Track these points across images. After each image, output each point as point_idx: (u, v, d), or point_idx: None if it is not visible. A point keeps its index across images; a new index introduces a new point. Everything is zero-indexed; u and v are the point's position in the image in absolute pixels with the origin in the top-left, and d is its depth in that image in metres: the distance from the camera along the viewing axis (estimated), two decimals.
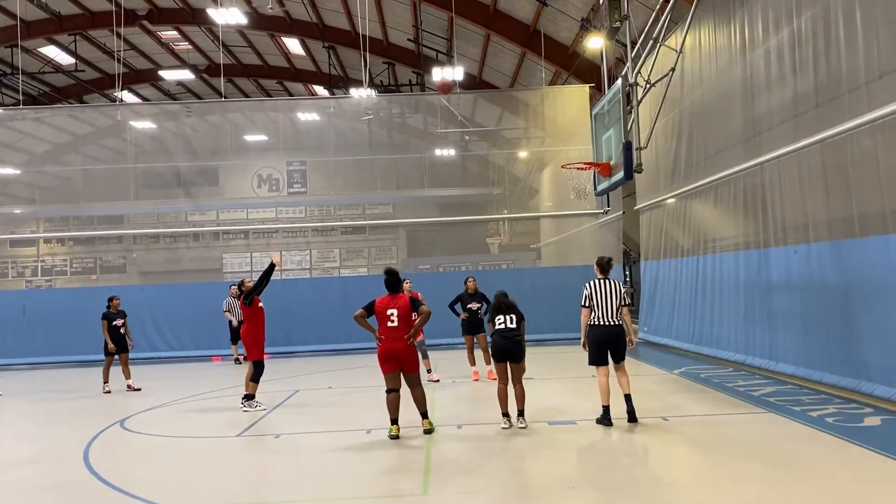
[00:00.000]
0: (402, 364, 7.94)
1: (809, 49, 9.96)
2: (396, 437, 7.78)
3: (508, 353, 8.13)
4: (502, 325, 8.16)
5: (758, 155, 11.41)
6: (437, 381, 11.67)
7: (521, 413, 8.14)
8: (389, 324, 7.90)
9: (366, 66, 21.81)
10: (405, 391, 8.01)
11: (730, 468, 6.35)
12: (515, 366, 8.17)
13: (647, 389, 10.09)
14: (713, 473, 6.29)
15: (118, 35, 22.08)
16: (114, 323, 12.47)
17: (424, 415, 8.05)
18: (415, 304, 8.04)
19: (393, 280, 8.10)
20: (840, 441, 6.98)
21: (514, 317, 8.20)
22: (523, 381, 8.27)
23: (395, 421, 7.89)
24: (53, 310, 18.49)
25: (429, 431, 7.95)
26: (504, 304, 8.32)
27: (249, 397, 10.09)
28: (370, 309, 8.05)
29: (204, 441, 8.43)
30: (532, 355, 8.42)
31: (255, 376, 10.09)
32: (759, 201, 11.80)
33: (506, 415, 8.16)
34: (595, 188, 15.41)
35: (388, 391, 7.99)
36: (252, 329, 10.19)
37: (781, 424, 7.89)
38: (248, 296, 10.14)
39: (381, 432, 7.98)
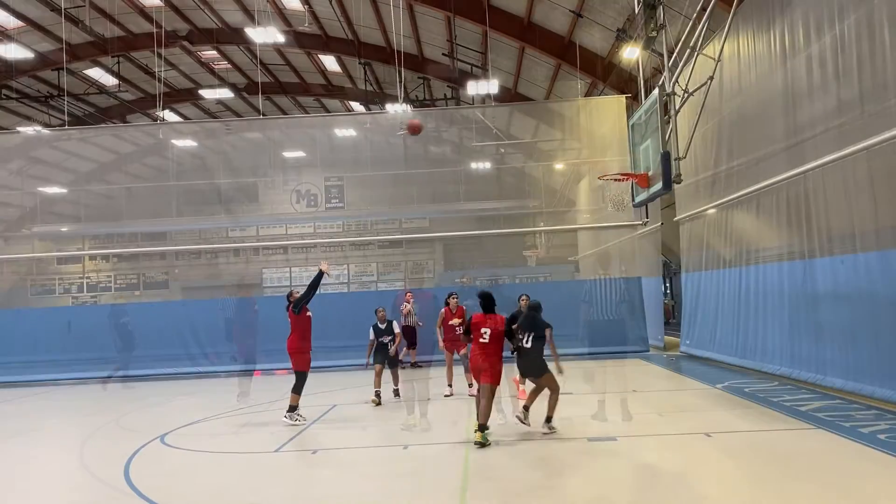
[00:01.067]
0: (480, 375, 8.42)
1: (853, 55, 9.72)
2: (484, 444, 7.97)
3: (526, 371, 8.96)
4: (521, 345, 8.82)
5: (801, 163, 11.15)
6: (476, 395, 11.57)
7: (548, 419, 8.63)
8: (481, 339, 8.52)
9: (401, 82, 21.95)
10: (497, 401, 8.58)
11: (777, 487, 6.15)
12: (538, 380, 8.78)
13: (690, 404, 9.87)
14: (759, 493, 6.09)
15: (159, 55, 22.56)
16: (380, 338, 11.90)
17: (481, 427, 8.14)
18: (510, 330, 8.64)
19: (486, 302, 8.72)
20: (893, 459, 6.73)
21: (532, 335, 8.75)
22: (559, 392, 8.69)
23: (482, 428, 8.12)
24: (98, 325, 18.83)
25: (479, 444, 7.98)
26: (527, 321, 8.93)
27: (292, 409, 10.09)
28: (468, 327, 8.68)
29: (243, 457, 8.46)
30: (572, 370, 8.40)
31: (297, 387, 10.09)
32: (802, 211, 11.52)
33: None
34: (633, 199, 15.22)
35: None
36: (298, 338, 10.18)
37: (830, 441, 7.65)
38: (298, 304, 10.16)
39: (419, 448, 7.96)
